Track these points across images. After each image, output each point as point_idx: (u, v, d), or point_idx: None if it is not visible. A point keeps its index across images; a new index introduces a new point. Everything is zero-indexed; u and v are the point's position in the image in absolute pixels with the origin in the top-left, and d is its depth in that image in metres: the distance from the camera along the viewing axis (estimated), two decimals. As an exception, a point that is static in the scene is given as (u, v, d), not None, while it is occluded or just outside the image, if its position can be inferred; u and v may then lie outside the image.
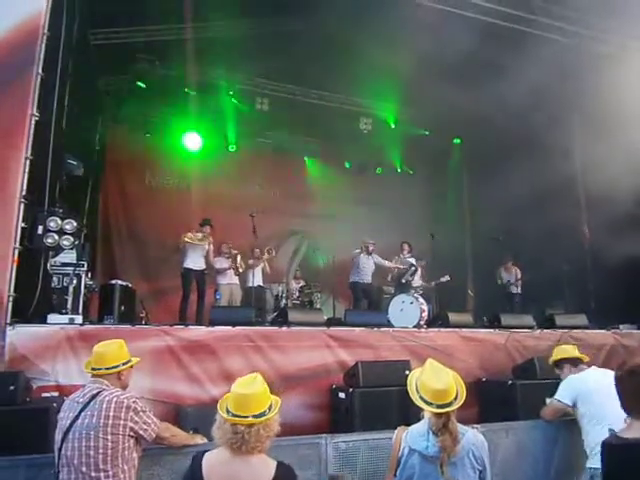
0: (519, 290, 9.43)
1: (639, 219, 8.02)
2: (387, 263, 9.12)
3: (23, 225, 4.66)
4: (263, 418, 2.17)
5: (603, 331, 6.55)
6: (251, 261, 8.97)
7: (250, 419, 2.14)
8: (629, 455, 2.05)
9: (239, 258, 8.73)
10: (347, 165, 13.31)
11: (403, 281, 9.04)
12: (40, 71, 4.92)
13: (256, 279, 8.94)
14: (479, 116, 9.80)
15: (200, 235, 8.09)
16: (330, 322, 6.34)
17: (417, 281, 9.31)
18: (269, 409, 2.22)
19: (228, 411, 2.19)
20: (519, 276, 9.43)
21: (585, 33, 7.53)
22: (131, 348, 3.03)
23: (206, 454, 2.22)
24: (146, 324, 6.60)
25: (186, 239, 7.97)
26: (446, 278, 9.31)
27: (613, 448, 2.12)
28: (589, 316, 6.88)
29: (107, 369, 2.75)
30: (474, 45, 6.96)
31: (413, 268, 8.93)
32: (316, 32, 8.43)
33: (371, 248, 9.00)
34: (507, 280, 9.52)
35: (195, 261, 8.09)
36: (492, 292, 9.86)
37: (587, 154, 8.18)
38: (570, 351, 4.02)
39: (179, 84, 9.93)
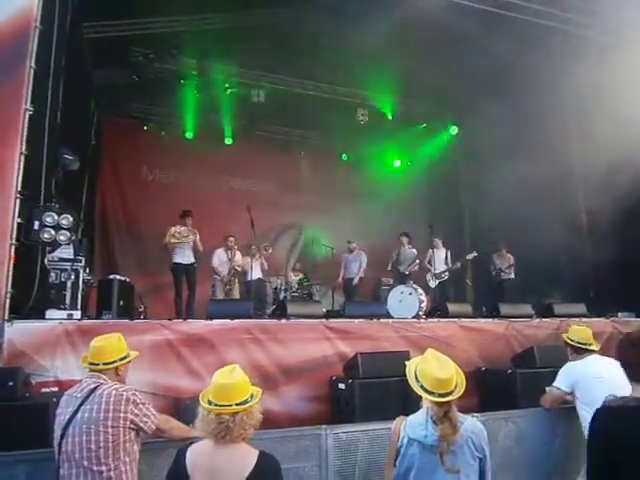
0: (512, 276, 9.40)
1: (637, 207, 8.03)
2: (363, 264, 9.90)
3: (19, 221, 4.64)
4: (246, 405, 2.18)
5: (602, 319, 6.55)
6: (247, 259, 8.94)
7: (234, 407, 2.15)
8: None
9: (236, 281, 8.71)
10: (344, 157, 13.29)
11: (407, 272, 9.08)
12: (33, 64, 4.87)
13: (255, 273, 8.94)
14: (476, 104, 9.77)
15: (185, 231, 7.97)
16: (329, 314, 6.34)
17: (441, 266, 9.30)
18: (251, 398, 2.23)
19: (210, 402, 2.19)
20: (512, 262, 9.38)
21: (582, 20, 7.48)
22: (130, 342, 3.02)
23: (190, 446, 2.23)
24: (144, 318, 6.60)
25: (173, 240, 7.86)
26: (473, 254, 9.33)
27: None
28: (587, 304, 6.88)
29: (105, 364, 2.73)
30: (470, 33, 6.92)
31: (417, 261, 9.05)
32: (310, 23, 8.36)
33: (353, 246, 10.00)
34: (499, 267, 9.49)
35: (184, 255, 8.02)
36: (491, 282, 9.87)
37: (585, 142, 8.16)
38: (581, 337, 3.92)
39: (175, 77, 9.87)
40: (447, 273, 9.35)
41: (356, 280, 9.78)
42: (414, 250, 9.34)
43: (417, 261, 9.16)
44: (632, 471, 1.89)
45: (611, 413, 2.13)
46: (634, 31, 6.80)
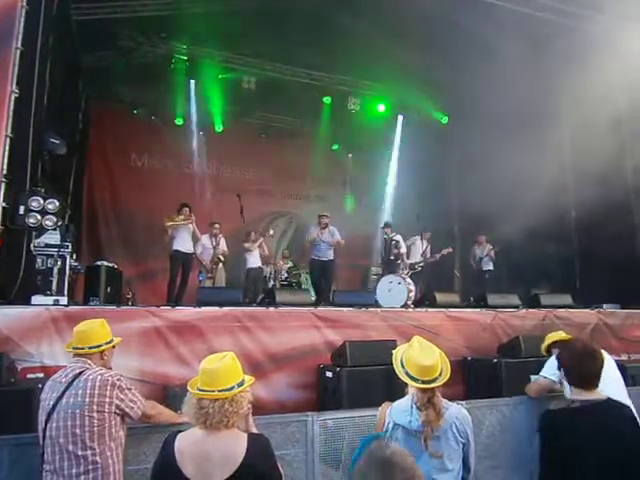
0: (491, 267, 9.44)
1: (625, 201, 8.11)
2: (339, 238, 8.49)
3: (4, 205, 4.58)
4: (228, 393, 2.14)
5: (587, 310, 6.64)
6: (247, 244, 8.90)
7: (215, 393, 2.13)
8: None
9: (221, 265, 8.67)
10: (335, 147, 13.24)
11: (392, 257, 8.96)
12: (19, 45, 4.78)
13: (255, 260, 8.93)
14: (466, 94, 9.76)
15: (182, 216, 8.01)
16: (318, 302, 6.35)
17: (416, 257, 9.26)
18: (238, 385, 2.19)
19: (198, 389, 2.18)
20: (492, 252, 9.41)
21: (572, 10, 7.48)
22: (118, 329, 3.01)
23: (179, 434, 2.20)
24: (132, 305, 6.57)
25: (170, 223, 7.88)
26: (448, 250, 9.32)
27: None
28: (574, 296, 6.97)
29: (90, 348, 2.71)
30: (463, 22, 6.89)
31: (393, 242, 8.61)
32: (303, 10, 8.27)
33: (325, 221, 8.42)
34: (479, 256, 9.52)
35: (183, 243, 8.00)
36: (473, 272, 9.92)
37: (576, 135, 8.21)
38: (562, 335, 3.98)
39: (164, 61, 9.73)
40: (422, 265, 9.28)
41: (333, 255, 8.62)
42: (398, 237, 8.90)
43: (393, 243, 8.64)
44: (569, 457, 2.42)
45: (554, 414, 2.66)
46: (626, 20, 6.83)
